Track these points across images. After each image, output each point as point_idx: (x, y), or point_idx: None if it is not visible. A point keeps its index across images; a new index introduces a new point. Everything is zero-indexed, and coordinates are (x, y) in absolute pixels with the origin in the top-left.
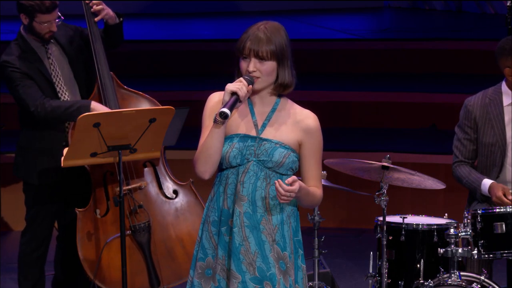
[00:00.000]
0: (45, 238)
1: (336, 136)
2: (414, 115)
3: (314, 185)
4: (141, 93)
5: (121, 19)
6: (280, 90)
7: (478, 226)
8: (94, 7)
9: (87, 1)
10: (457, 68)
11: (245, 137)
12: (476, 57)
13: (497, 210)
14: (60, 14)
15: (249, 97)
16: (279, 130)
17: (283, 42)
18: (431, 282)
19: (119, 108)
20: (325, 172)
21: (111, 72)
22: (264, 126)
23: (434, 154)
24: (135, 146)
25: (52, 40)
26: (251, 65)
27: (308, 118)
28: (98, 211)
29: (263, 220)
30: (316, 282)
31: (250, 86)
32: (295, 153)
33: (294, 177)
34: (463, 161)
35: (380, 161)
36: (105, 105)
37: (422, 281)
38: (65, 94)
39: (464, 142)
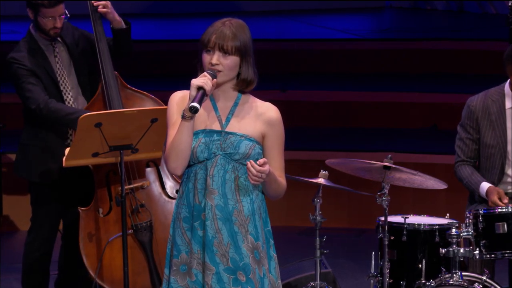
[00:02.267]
0: (48, 238)
1: (337, 136)
2: (415, 115)
3: (279, 175)
4: (145, 93)
5: (127, 26)
6: (243, 86)
7: (480, 226)
8: (98, 2)
9: (92, 1)
10: (458, 68)
11: (210, 132)
12: (478, 57)
13: (499, 210)
14: (66, 12)
15: (211, 93)
16: (243, 123)
17: (247, 40)
18: (433, 282)
19: (123, 108)
20: (326, 172)
21: (115, 72)
22: (228, 120)
23: (435, 154)
24: (137, 146)
25: (59, 39)
26: (215, 57)
27: (269, 110)
28: (100, 210)
29: (235, 212)
30: (318, 282)
31: (215, 80)
32: (260, 145)
33: (264, 159)
34: (465, 161)
35: (382, 161)
36: (109, 104)
37: (423, 281)
38: (68, 94)
39: (467, 142)
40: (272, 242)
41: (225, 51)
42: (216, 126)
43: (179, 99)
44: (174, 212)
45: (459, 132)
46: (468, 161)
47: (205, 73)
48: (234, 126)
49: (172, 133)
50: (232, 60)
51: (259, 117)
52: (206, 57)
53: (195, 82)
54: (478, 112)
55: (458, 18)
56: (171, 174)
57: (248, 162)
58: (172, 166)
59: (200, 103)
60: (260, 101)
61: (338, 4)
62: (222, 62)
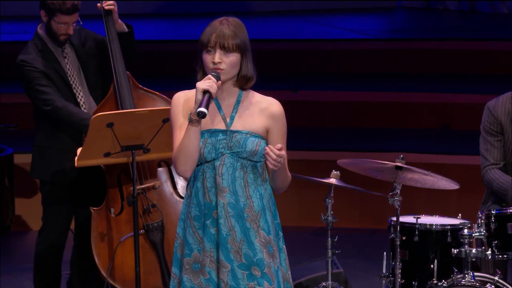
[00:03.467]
0: (60, 237)
1: (349, 136)
2: (427, 115)
3: None
4: (157, 92)
5: (130, 29)
6: (243, 82)
7: (492, 226)
8: (106, 4)
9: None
10: (471, 68)
11: (215, 132)
12: (490, 57)
13: (511, 210)
14: (79, 19)
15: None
16: (247, 120)
17: (245, 37)
18: (445, 282)
19: (135, 108)
20: (338, 172)
21: (127, 72)
22: (232, 118)
23: (447, 154)
24: (149, 146)
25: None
26: (217, 56)
27: (272, 105)
28: (112, 210)
29: (246, 208)
30: (330, 282)
31: (219, 82)
32: (264, 140)
33: (280, 144)
34: (494, 164)
35: (394, 161)
36: (121, 104)
37: (435, 282)
38: (79, 94)
39: (495, 144)
40: (281, 234)
41: (226, 49)
42: (221, 125)
43: (183, 101)
44: (183, 212)
45: (485, 137)
46: (497, 163)
47: (209, 75)
48: (239, 124)
49: (179, 135)
50: (233, 58)
51: (262, 112)
52: (207, 57)
53: (201, 85)
54: (501, 117)
55: (470, 18)
56: None
57: (266, 147)
58: (181, 169)
59: (207, 107)
60: (261, 95)
61: (350, 4)
62: (224, 60)
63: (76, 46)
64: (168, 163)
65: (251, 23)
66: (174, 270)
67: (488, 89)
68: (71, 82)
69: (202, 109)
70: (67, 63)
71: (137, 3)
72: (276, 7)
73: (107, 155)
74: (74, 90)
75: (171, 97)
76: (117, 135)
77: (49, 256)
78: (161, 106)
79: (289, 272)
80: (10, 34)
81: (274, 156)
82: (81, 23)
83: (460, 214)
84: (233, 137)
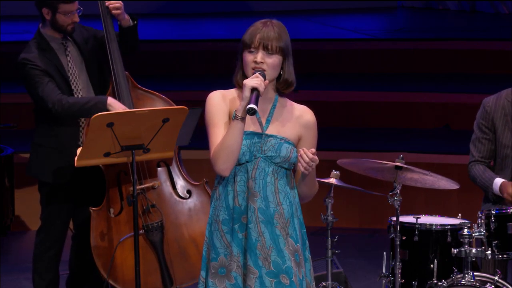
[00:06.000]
0: (59, 237)
1: (349, 136)
2: (428, 115)
3: None
4: (155, 92)
5: (135, 22)
6: (284, 87)
7: (492, 226)
8: (112, 4)
9: (106, 3)
10: (471, 68)
11: (251, 134)
12: (490, 57)
13: (511, 210)
14: (80, 7)
15: None
16: (282, 126)
17: (288, 41)
18: (445, 282)
19: (134, 108)
20: (338, 172)
21: (126, 72)
22: (268, 122)
23: (447, 154)
24: (148, 146)
25: (69, 38)
26: (259, 55)
27: (306, 113)
28: (112, 210)
29: (276, 215)
30: (329, 282)
31: (267, 81)
32: (295, 147)
33: (314, 149)
34: (479, 161)
35: (394, 161)
36: None
37: (435, 282)
38: (79, 93)
39: (483, 141)
40: (307, 244)
41: (269, 51)
42: (257, 128)
43: (220, 99)
44: (211, 215)
45: (475, 132)
46: (482, 161)
47: (256, 74)
48: (274, 128)
49: (217, 133)
50: (275, 59)
51: (297, 120)
52: (249, 57)
53: (250, 83)
54: (494, 113)
55: (470, 18)
56: (183, 175)
57: (301, 149)
58: (222, 168)
59: (256, 104)
60: (296, 103)
61: (351, 4)
62: (266, 61)
63: (80, 43)
64: (167, 163)
65: (251, 23)
66: (202, 273)
67: (488, 89)
68: (72, 81)
69: (253, 105)
70: (69, 61)
71: (139, 2)
72: (276, 7)
73: (107, 155)
74: (74, 89)
75: (171, 97)
76: (117, 135)
77: (49, 256)
78: (160, 106)
79: (313, 283)
80: (10, 34)
81: (307, 159)
82: (81, 9)
83: (460, 214)
84: (267, 141)
